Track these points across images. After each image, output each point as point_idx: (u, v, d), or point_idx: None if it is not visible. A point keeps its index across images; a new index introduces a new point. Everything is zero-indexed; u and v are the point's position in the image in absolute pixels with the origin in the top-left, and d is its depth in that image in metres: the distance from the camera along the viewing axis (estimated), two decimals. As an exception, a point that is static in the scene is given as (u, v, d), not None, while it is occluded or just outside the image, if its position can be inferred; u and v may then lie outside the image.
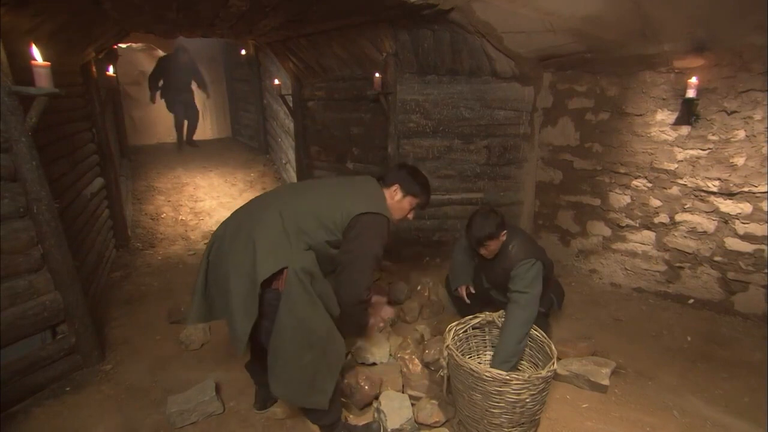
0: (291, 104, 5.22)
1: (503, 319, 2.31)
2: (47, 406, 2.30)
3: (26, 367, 2.30)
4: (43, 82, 2.08)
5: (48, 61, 2.09)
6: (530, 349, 2.32)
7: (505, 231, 2.47)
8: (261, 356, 2.00)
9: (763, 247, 2.90)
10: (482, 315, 2.35)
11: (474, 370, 1.90)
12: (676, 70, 3.01)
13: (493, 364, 2.19)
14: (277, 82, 5.26)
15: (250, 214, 1.94)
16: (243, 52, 7.43)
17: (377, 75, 3.67)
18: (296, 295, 1.74)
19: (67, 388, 2.44)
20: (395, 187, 2.09)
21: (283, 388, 1.84)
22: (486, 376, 1.87)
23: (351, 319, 2.01)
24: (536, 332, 2.24)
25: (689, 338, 2.91)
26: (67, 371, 2.51)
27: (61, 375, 2.48)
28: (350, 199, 1.93)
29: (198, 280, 1.93)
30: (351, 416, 2.27)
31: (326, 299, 1.85)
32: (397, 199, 2.10)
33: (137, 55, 8.18)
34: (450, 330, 2.23)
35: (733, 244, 3.01)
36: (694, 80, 2.82)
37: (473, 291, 2.83)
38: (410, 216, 2.21)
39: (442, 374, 2.15)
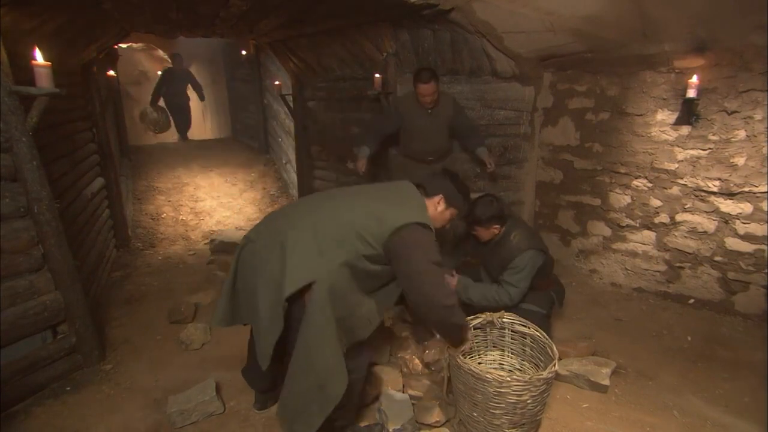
0: (291, 104, 5.22)
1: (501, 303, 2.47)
2: (48, 406, 2.30)
3: (27, 367, 2.30)
4: (44, 82, 2.08)
5: (49, 61, 2.09)
6: (531, 350, 2.32)
7: (497, 225, 2.54)
8: (257, 363, 1.93)
9: (764, 247, 2.89)
10: (483, 315, 2.35)
11: (475, 372, 1.90)
12: (676, 70, 3.01)
13: (459, 284, 2.51)
14: (277, 82, 5.27)
15: (284, 222, 1.83)
16: (243, 52, 7.43)
17: (378, 75, 3.67)
18: (311, 317, 1.64)
19: (68, 388, 2.44)
20: (439, 197, 1.97)
21: (280, 408, 1.76)
22: (487, 377, 1.87)
23: (450, 330, 1.90)
24: (538, 333, 2.24)
25: (689, 338, 2.91)
26: (68, 371, 2.51)
27: (62, 374, 2.48)
28: (389, 209, 1.76)
29: (226, 283, 1.87)
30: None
31: (347, 323, 1.72)
32: (439, 210, 1.99)
33: (137, 55, 8.20)
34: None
35: (733, 244, 3.01)
36: (694, 80, 2.82)
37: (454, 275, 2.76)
38: (447, 225, 2.11)
39: (443, 375, 2.15)
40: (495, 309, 2.46)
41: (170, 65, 8.17)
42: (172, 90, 8.00)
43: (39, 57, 2.05)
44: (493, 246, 2.63)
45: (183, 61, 8.09)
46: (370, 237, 1.70)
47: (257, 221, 5.72)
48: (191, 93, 8.25)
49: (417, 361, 2.53)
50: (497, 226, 2.54)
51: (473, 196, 2.35)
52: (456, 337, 1.89)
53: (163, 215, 5.49)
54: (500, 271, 2.58)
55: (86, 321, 2.54)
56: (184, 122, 8.58)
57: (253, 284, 1.74)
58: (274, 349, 1.69)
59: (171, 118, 8.08)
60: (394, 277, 1.88)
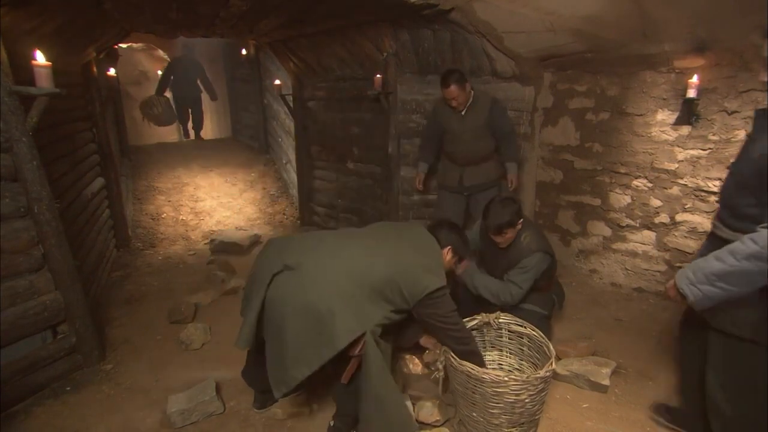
0: (291, 104, 5.23)
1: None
2: (48, 406, 2.31)
3: (27, 367, 2.30)
4: (44, 82, 2.08)
5: (49, 61, 2.10)
6: (529, 350, 2.32)
7: (522, 219, 2.49)
8: (258, 363, 2.00)
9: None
10: (479, 316, 2.36)
11: (472, 372, 1.90)
12: (676, 70, 3.01)
13: (466, 271, 2.49)
14: (277, 82, 5.26)
15: (328, 260, 1.90)
16: (243, 51, 7.43)
17: (378, 75, 3.67)
18: (373, 362, 1.80)
19: (68, 388, 2.44)
20: (448, 248, 2.20)
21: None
22: (484, 377, 1.87)
23: (472, 357, 2.04)
24: (535, 333, 2.24)
25: (689, 338, 2.91)
26: (68, 371, 2.51)
27: (62, 374, 2.48)
28: (423, 271, 1.95)
29: (254, 304, 1.85)
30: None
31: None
32: (448, 259, 2.22)
33: (138, 55, 8.21)
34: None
35: (733, 244, 3.01)
36: (694, 80, 2.82)
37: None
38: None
39: (437, 376, 2.16)
40: (492, 304, 2.48)
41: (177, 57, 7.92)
42: (180, 80, 7.65)
43: (40, 57, 2.05)
44: (504, 248, 2.59)
45: (194, 51, 7.79)
46: (410, 297, 1.91)
47: (257, 221, 5.73)
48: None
49: (417, 361, 2.54)
50: (521, 219, 2.49)
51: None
52: (474, 361, 2.03)
53: (163, 215, 5.49)
54: (505, 271, 2.57)
55: (86, 321, 2.55)
56: (196, 118, 8.21)
57: (282, 308, 1.79)
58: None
59: (176, 114, 7.81)
60: (399, 326, 2.14)
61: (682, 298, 1.53)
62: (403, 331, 2.30)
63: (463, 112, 3.30)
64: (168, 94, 7.61)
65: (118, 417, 2.25)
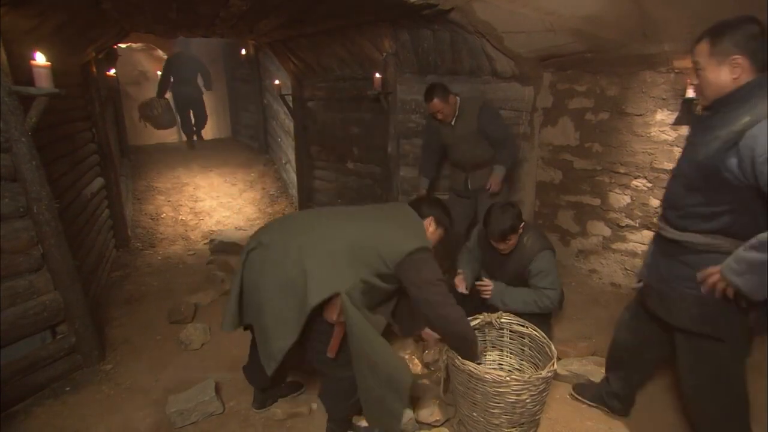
0: (291, 104, 5.23)
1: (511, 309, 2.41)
2: (47, 406, 2.31)
3: (27, 367, 2.30)
4: (43, 82, 2.08)
5: (48, 61, 2.10)
6: (530, 350, 2.32)
7: (523, 223, 2.49)
8: (257, 359, 1.99)
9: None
10: (481, 316, 2.35)
11: (474, 372, 1.90)
12: (675, 70, 3.01)
13: (495, 292, 2.36)
14: (277, 82, 5.26)
15: (300, 230, 1.93)
16: (243, 51, 7.42)
17: (377, 75, 3.67)
18: (353, 322, 1.77)
19: (67, 388, 2.44)
20: (430, 219, 2.19)
21: (365, 411, 1.94)
22: (486, 377, 1.87)
23: (463, 342, 2.00)
24: (536, 333, 2.24)
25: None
26: (68, 371, 2.51)
27: (62, 375, 2.48)
28: (402, 234, 1.95)
29: (234, 286, 1.91)
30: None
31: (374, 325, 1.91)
32: (431, 231, 2.21)
33: (137, 55, 8.19)
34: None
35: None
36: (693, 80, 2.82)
37: (466, 291, 2.75)
38: (437, 244, 2.32)
39: (439, 376, 2.16)
40: (532, 313, 2.42)
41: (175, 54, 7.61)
42: (179, 79, 7.41)
43: (39, 57, 2.05)
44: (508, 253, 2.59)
45: (190, 47, 7.53)
46: (388, 258, 1.87)
47: (257, 221, 5.73)
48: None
49: (416, 361, 2.54)
50: (523, 223, 2.50)
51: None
52: (466, 349, 2.00)
53: (163, 215, 5.49)
54: (514, 276, 2.54)
55: (86, 321, 2.54)
56: (198, 117, 7.93)
57: (264, 290, 1.81)
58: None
59: (177, 117, 7.62)
60: (390, 297, 2.12)
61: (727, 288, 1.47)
62: (408, 318, 2.29)
63: (452, 123, 3.31)
64: (168, 95, 7.47)
65: (117, 417, 2.25)
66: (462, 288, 2.70)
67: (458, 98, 3.29)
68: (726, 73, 1.46)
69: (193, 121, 7.95)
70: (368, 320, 1.84)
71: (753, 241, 1.33)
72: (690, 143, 1.60)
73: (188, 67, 7.48)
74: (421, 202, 2.28)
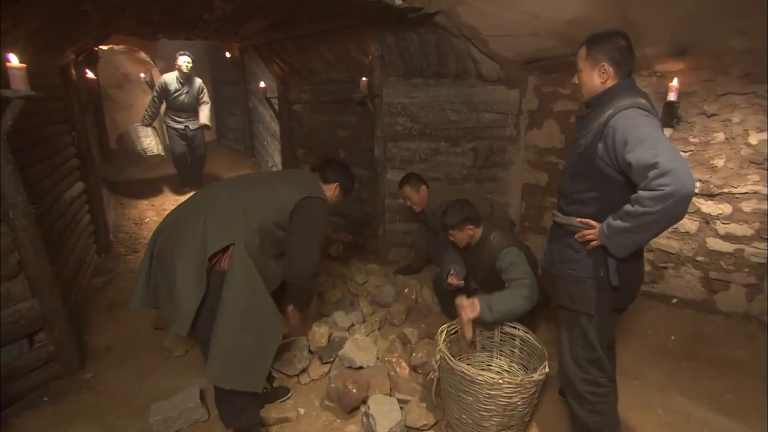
0: (277, 107, 5.19)
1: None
2: (25, 417, 2.24)
3: (3, 377, 2.22)
4: (19, 84, 2.03)
5: (24, 62, 2.05)
6: (520, 351, 2.33)
7: (470, 227, 2.57)
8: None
9: (743, 246, 2.95)
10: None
11: (466, 373, 1.89)
12: (658, 74, 3.06)
13: (481, 304, 2.20)
14: (262, 84, 5.22)
15: (201, 201, 2.02)
16: (228, 54, 7.36)
17: (363, 78, 3.66)
18: (239, 275, 1.85)
19: (45, 398, 2.37)
20: (335, 185, 2.35)
21: (221, 371, 1.86)
22: (478, 379, 1.87)
23: (304, 292, 2.20)
24: (528, 335, 2.25)
25: (673, 337, 2.95)
26: (46, 380, 2.44)
27: (39, 384, 2.41)
28: (294, 186, 2.12)
29: (142, 267, 1.95)
30: (339, 420, 2.25)
31: (267, 276, 1.98)
32: (335, 194, 2.38)
33: (119, 57, 8.04)
34: (441, 332, 2.23)
35: (714, 244, 3.06)
36: (675, 83, 2.87)
37: (462, 282, 2.78)
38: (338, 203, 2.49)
39: (432, 376, 2.14)
40: (520, 313, 2.31)
41: (162, 71, 6.04)
42: (176, 110, 5.63)
43: (13, 59, 2.01)
44: (476, 251, 2.65)
45: (192, 62, 5.74)
46: (279, 205, 2.03)
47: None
48: None
49: (404, 364, 2.52)
50: (471, 227, 2.57)
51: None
52: (303, 300, 2.25)
53: (147, 220, 5.39)
54: (488, 275, 2.59)
55: (65, 329, 2.48)
56: (195, 165, 6.10)
57: (171, 262, 1.85)
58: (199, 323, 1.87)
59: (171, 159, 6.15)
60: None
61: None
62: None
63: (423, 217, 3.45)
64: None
65: (98, 426, 2.19)
66: (456, 281, 2.77)
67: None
68: (597, 77, 1.68)
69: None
70: (260, 270, 1.91)
71: (620, 211, 1.53)
72: (575, 139, 1.77)
73: (188, 94, 5.83)
74: (329, 165, 2.40)
